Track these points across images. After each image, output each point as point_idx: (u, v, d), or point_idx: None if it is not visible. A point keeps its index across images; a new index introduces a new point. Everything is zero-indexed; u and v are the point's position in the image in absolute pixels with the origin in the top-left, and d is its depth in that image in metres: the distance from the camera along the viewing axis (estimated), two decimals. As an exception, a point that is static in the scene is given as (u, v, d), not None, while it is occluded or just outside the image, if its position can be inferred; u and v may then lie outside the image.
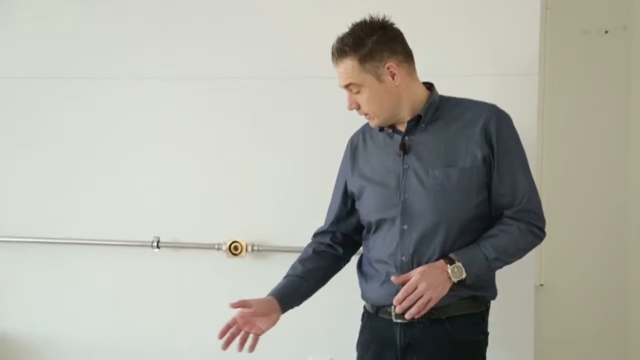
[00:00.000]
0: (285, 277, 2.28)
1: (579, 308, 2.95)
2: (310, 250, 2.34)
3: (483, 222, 2.13)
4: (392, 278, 2.08)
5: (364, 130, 2.31)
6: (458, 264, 2.05)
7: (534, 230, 2.12)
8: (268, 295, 2.22)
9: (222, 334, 2.14)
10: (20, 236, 2.92)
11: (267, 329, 2.19)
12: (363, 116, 2.18)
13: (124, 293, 2.88)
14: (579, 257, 2.96)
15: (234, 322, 2.15)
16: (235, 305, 2.16)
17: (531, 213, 2.12)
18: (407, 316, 2.05)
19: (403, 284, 2.05)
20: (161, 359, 2.84)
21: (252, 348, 2.15)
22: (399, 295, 2.04)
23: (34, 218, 2.93)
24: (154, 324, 2.85)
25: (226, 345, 2.13)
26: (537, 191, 2.15)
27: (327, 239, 2.35)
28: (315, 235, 2.38)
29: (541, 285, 2.90)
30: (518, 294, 2.62)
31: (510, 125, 2.15)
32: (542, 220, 2.15)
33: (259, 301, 2.19)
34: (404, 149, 2.14)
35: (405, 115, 2.15)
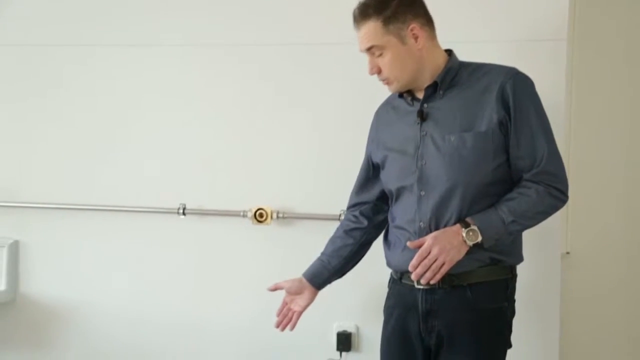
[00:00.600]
0: (318, 257, 2.38)
1: (605, 276, 2.93)
2: (340, 230, 2.39)
3: (503, 187, 2.11)
4: (408, 243, 2.10)
5: (388, 101, 2.32)
6: (473, 227, 2.04)
7: (553, 192, 2.09)
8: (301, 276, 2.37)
9: (278, 314, 2.39)
10: (49, 202, 2.95)
11: (305, 306, 2.38)
12: (382, 82, 2.17)
13: (150, 259, 2.91)
14: (606, 225, 2.94)
15: (284, 303, 2.39)
16: (271, 289, 2.38)
17: (550, 175, 2.09)
18: (423, 281, 2.06)
19: (419, 249, 2.06)
20: (186, 325, 2.87)
21: (292, 326, 2.38)
22: (413, 261, 2.05)
23: (63, 185, 2.97)
24: (179, 290, 2.88)
25: (282, 327, 2.39)
26: (558, 154, 2.11)
27: (355, 212, 2.38)
28: (347, 208, 2.42)
29: (567, 253, 2.88)
30: (544, 262, 2.60)
31: (529, 88, 2.12)
32: (563, 182, 2.11)
33: (292, 281, 2.38)
34: (422, 116, 2.15)
35: (425, 80, 2.15)
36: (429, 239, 2.06)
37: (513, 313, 2.17)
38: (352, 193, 2.40)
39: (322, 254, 2.38)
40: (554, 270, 2.61)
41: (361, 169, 2.40)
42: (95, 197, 2.93)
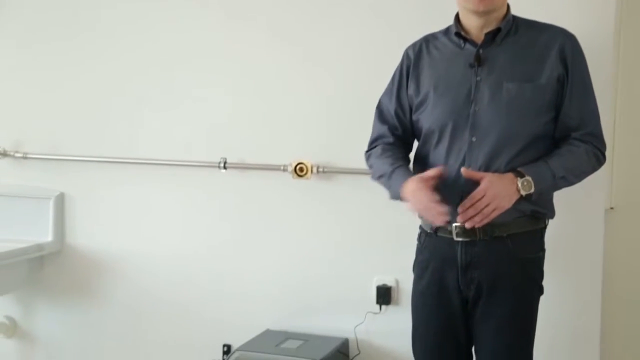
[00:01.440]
0: (397, 166, 2.21)
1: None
2: (379, 149, 2.30)
3: (545, 142, 2.15)
4: (463, 169, 2.09)
5: (427, 40, 2.29)
6: (528, 177, 2.06)
7: (598, 154, 2.17)
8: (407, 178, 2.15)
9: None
10: (94, 155, 3.00)
11: None
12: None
13: (191, 212, 2.94)
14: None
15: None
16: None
17: (597, 138, 2.17)
18: (468, 225, 2.07)
19: (470, 180, 2.06)
20: (226, 278, 2.91)
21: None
22: (466, 202, 2.05)
23: (107, 138, 3.01)
24: (220, 243, 2.92)
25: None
26: (600, 117, 2.19)
27: (386, 140, 2.32)
28: (371, 145, 2.36)
29: (611, 208, 2.84)
30: (587, 217, 2.57)
31: (582, 51, 2.18)
32: (605, 146, 2.20)
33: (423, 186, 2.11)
34: (479, 60, 2.14)
35: (490, 22, 2.14)
36: (485, 182, 2.05)
37: (544, 261, 2.21)
38: (375, 131, 2.35)
39: (394, 163, 2.22)
40: (597, 225, 2.58)
41: (386, 109, 2.32)
42: (138, 150, 2.97)
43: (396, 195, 2.17)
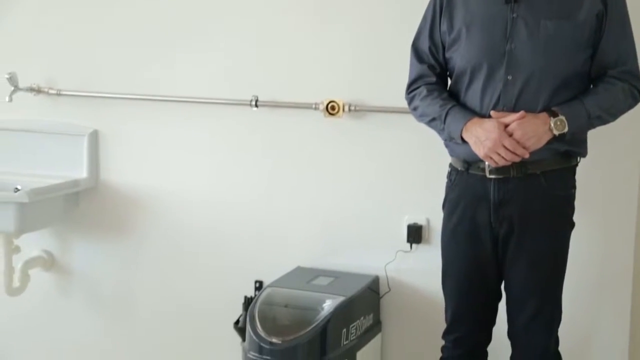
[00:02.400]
0: (450, 107, 2.18)
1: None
2: (423, 90, 2.27)
3: (581, 80, 2.14)
4: (492, 113, 2.09)
5: None
6: (561, 117, 2.05)
7: (634, 92, 2.15)
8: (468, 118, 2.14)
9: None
10: (126, 93, 3.01)
11: None
12: None
13: (223, 150, 2.95)
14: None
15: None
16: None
17: (634, 75, 2.15)
18: (493, 163, 2.08)
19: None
20: (258, 214, 2.93)
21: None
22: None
23: (139, 77, 3.01)
24: (251, 181, 2.93)
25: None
26: (637, 55, 2.16)
27: (428, 79, 2.29)
28: (411, 85, 2.34)
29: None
30: (623, 158, 2.55)
31: None
32: None
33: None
34: None
35: None
36: (515, 122, 2.05)
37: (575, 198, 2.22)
38: (407, 85, 2.34)
39: (445, 104, 2.19)
40: (632, 168, 2.55)
41: (422, 48, 2.29)
42: (171, 88, 2.97)
43: (455, 136, 2.16)
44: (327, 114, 2.78)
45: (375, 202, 2.80)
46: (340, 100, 2.77)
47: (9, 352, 3.27)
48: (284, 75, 2.86)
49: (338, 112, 2.77)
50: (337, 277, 2.74)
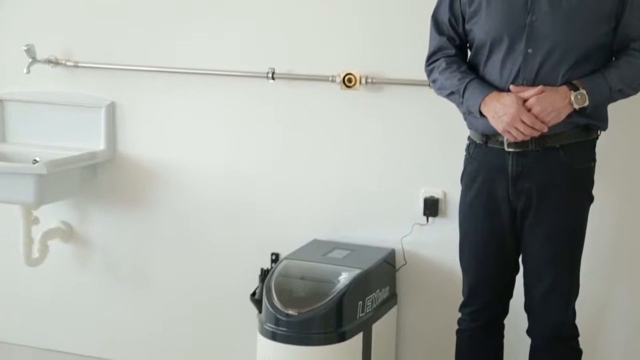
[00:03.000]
0: (469, 80, 2.17)
1: None
2: (442, 63, 2.26)
3: (604, 53, 2.11)
4: (511, 87, 2.08)
5: None
6: (582, 90, 2.04)
7: None
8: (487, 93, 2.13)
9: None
10: (143, 65, 3.01)
11: None
12: None
13: (240, 122, 2.95)
14: None
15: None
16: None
17: None
18: (512, 138, 2.07)
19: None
20: (273, 187, 2.94)
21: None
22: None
23: (156, 48, 3.01)
24: (266, 154, 2.93)
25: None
26: None
27: (448, 52, 2.27)
28: (430, 58, 2.32)
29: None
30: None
31: None
32: None
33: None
34: None
35: None
36: (533, 97, 2.04)
37: (594, 172, 2.21)
38: (427, 57, 2.32)
39: (464, 78, 2.18)
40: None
41: (441, 20, 2.27)
42: (187, 59, 2.96)
43: (473, 110, 2.15)
44: (343, 86, 2.77)
45: (392, 175, 2.79)
46: (357, 72, 2.75)
47: (28, 322, 3.32)
48: (300, 47, 2.84)
49: (355, 84, 2.76)
50: (353, 250, 2.75)
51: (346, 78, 2.76)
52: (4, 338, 3.35)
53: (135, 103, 3.07)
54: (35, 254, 3.11)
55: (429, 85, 2.54)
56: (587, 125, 2.13)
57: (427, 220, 2.75)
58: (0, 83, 3.20)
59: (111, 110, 3.08)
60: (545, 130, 2.05)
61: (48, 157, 2.93)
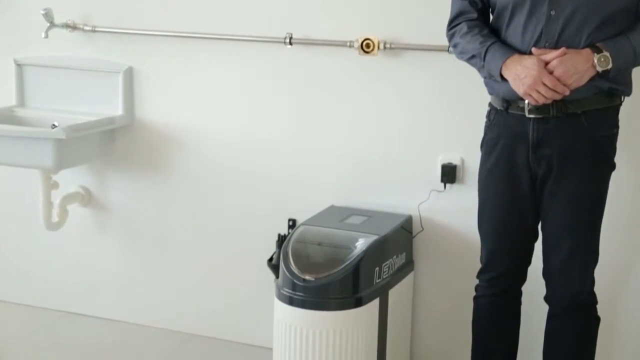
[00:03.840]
0: (490, 43, 2.15)
1: None
2: (464, 27, 2.24)
3: (628, 16, 2.08)
4: (533, 49, 2.06)
5: None
6: (605, 53, 2.01)
7: None
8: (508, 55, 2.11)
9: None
10: (160, 30, 3.00)
11: None
12: None
13: (257, 88, 2.94)
14: None
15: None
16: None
17: None
18: (533, 101, 2.05)
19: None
20: (291, 153, 2.93)
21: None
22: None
23: (173, 13, 2.99)
24: (283, 120, 2.93)
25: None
26: None
27: (470, 16, 2.25)
28: (452, 22, 2.30)
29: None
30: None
31: None
32: None
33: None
34: None
35: None
36: (556, 59, 2.02)
37: (617, 138, 2.19)
38: (448, 21, 2.30)
39: (485, 41, 2.16)
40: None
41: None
42: (205, 24, 2.95)
43: (494, 73, 2.14)
44: (361, 51, 2.75)
45: (410, 141, 2.78)
46: (375, 37, 2.73)
47: (48, 285, 3.36)
48: (318, 12, 2.82)
49: (373, 50, 2.74)
50: (371, 216, 2.75)
51: (364, 43, 2.74)
52: (24, 300, 3.40)
53: (152, 68, 3.06)
54: (55, 218, 3.14)
55: (448, 50, 2.53)
56: (610, 90, 2.10)
57: (445, 187, 2.74)
58: (19, 47, 3.21)
59: (129, 75, 3.08)
60: (567, 93, 2.03)
61: (66, 122, 2.94)
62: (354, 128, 2.84)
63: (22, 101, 3.23)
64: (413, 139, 2.78)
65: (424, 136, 2.76)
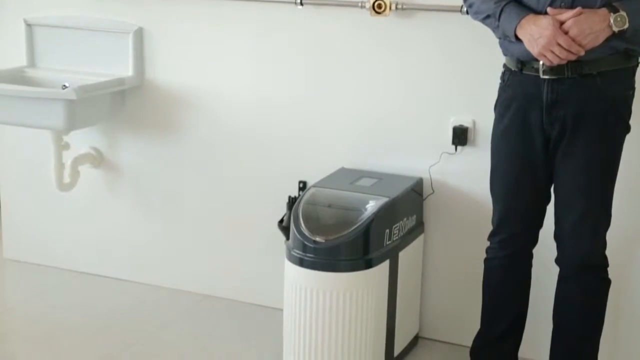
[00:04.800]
0: (505, 3, 2.13)
1: None
2: None
3: None
4: (549, 10, 2.03)
5: None
6: (622, 12, 1.99)
7: None
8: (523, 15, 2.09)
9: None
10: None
11: None
12: None
13: (266, 50, 2.92)
14: None
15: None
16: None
17: None
18: (547, 62, 2.03)
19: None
20: (301, 116, 2.92)
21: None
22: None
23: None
24: (294, 81, 2.91)
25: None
26: None
27: None
28: None
29: None
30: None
31: None
32: None
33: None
34: None
35: None
36: (571, 19, 1.99)
37: (632, 100, 2.17)
38: None
39: (500, 1, 2.14)
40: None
41: None
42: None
43: (509, 34, 2.12)
44: (373, 12, 2.72)
45: (421, 103, 2.76)
46: (387, -3, 2.70)
47: (60, 245, 3.39)
48: (329, -28, 2.79)
49: (385, 10, 2.71)
50: (381, 178, 2.75)
51: (376, 4, 2.71)
52: (36, 260, 3.43)
53: (163, 29, 3.04)
54: (67, 179, 3.15)
55: (461, 10, 2.50)
56: (626, 51, 2.08)
57: (456, 149, 2.73)
58: (29, 7, 3.19)
59: (139, 36, 3.06)
60: (582, 53, 2.01)
61: (77, 82, 2.94)
62: (365, 90, 2.83)
63: (32, 62, 3.23)
64: (424, 101, 2.76)
65: (435, 98, 2.74)
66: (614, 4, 2.00)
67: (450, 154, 2.74)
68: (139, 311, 3.07)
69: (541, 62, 2.08)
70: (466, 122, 2.70)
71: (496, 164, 2.29)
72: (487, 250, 2.40)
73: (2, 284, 3.43)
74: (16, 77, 3.12)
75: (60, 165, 3.11)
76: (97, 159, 3.23)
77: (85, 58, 3.13)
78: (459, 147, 2.72)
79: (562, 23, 2.01)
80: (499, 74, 2.29)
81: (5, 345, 2.88)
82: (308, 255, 2.41)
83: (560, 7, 2.04)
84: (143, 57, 3.09)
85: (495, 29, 2.18)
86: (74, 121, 2.92)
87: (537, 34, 2.02)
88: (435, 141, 2.75)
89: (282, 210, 2.82)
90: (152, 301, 3.16)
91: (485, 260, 2.41)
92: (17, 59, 3.22)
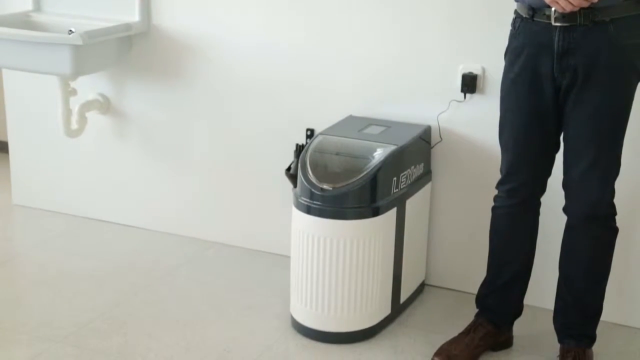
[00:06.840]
0: None
1: None
2: None
3: None
4: None
5: None
6: None
7: None
8: None
9: None
10: None
11: None
12: None
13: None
14: None
15: None
16: None
17: None
18: (560, 9, 1.99)
19: None
20: (309, 64, 2.90)
21: None
22: None
23: None
24: (301, 27, 2.88)
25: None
26: None
27: None
28: None
29: None
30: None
31: None
32: None
33: None
34: None
35: None
36: None
37: None
38: None
39: None
40: None
41: None
42: None
43: None
44: (382, -45, 2.67)
45: (430, 50, 2.73)
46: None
47: (69, 191, 3.40)
48: None
49: (395, -47, 2.66)
50: (389, 126, 2.73)
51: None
52: (44, 206, 3.45)
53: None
54: (74, 125, 3.15)
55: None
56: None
57: (465, 97, 2.71)
58: (33, -49, 3.15)
59: (145, -20, 3.03)
60: (595, 0, 1.97)
61: (83, 27, 2.91)
62: (372, 36, 2.79)
63: (38, 6, 3.19)
64: (433, 47, 2.73)
65: (444, 45, 2.71)
66: None
67: (459, 101, 2.72)
68: (147, 258, 3.10)
69: (553, 9, 2.04)
70: (475, 70, 2.67)
71: (505, 112, 2.27)
72: (495, 199, 2.39)
73: (11, 230, 3.45)
74: (22, 21, 3.10)
75: (67, 112, 3.10)
76: (105, 105, 3.22)
77: (91, 3, 3.10)
78: (467, 95, 2.70)
79: None
80: (510, 21, 2.25)
81: (14, 290, 2.91)
82: (315, 202, 2.42)
83: None
84: (149, 3, 3.05)
85: None
86: (80, 67, 2.90)
87: None
88: (444, 89, 2.72)
89: (289, 158, 2.82)
90: (160, 248, 3.18)
91: (493, 208, 2.40)
92: (22, 2, 3.20)
